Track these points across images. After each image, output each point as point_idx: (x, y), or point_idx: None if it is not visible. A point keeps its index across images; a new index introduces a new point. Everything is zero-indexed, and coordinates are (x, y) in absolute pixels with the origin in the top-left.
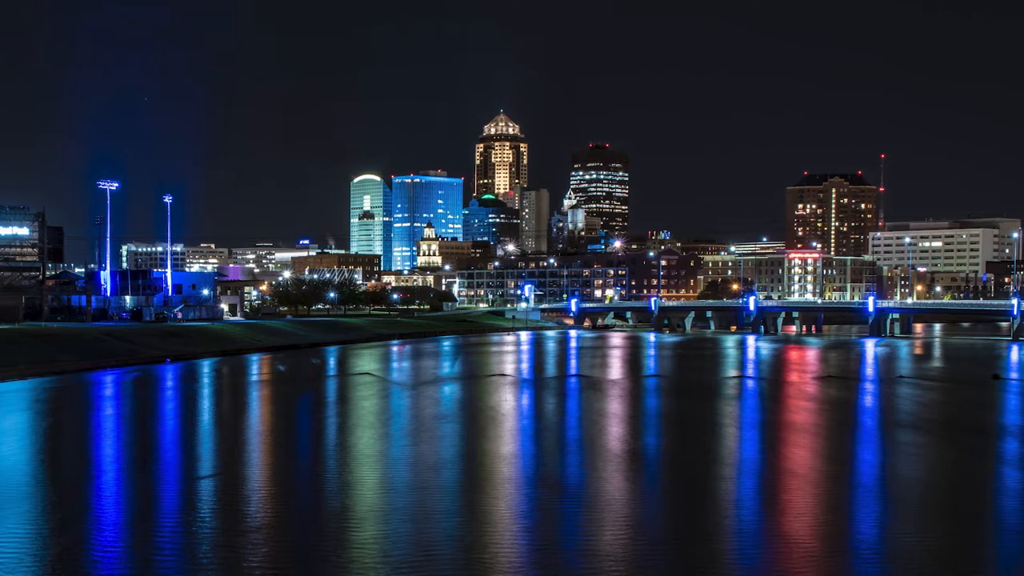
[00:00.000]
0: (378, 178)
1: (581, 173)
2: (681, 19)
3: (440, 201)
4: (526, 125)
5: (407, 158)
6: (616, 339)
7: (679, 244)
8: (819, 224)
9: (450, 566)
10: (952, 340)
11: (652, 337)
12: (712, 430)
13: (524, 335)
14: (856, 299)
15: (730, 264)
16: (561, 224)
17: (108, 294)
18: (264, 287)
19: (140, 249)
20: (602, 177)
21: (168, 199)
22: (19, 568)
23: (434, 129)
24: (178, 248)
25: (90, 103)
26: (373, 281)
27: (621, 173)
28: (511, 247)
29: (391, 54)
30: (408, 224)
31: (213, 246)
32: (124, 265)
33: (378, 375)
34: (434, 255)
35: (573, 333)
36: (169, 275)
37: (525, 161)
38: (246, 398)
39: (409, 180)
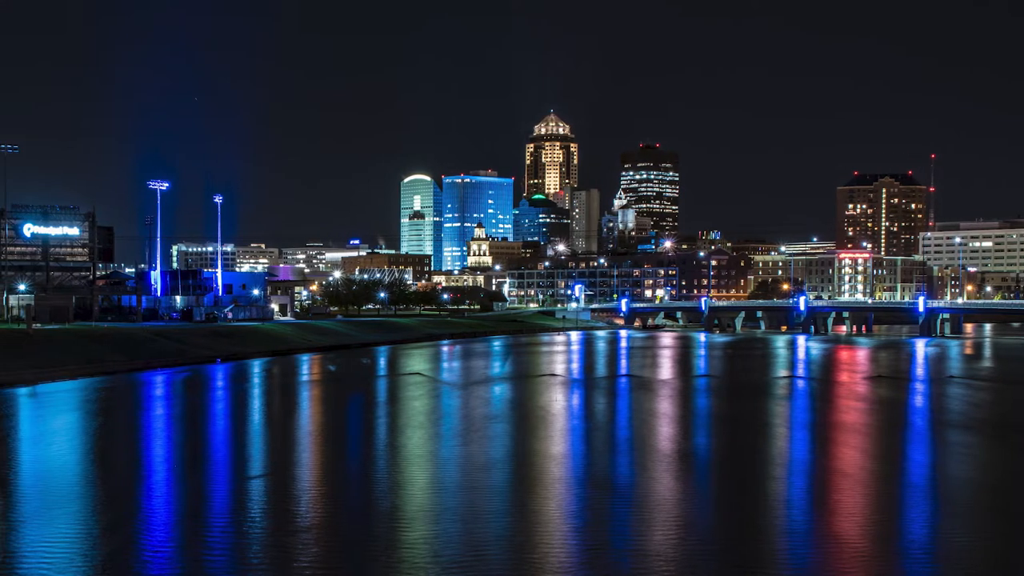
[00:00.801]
0: (428, 178)
1: (631, 173)
2: (744, 20)
3: (490, 201)
4: (576, 125)
5: (457, 158)
6: (666, 339)
7: (729, 244)
8: (869, 224)
9: (500, 566)
10: (1003, 340)
11: (702, 337)
12: (762, 430)
13: (574, 335)
14: (906, 299)
15: (780, 264)
16: (611, 224)
17: (158, 294)
18: (314, 287)
19: (190, 249)
20: (652, 177)
21: (218, 199)
22: (69, 568)
23: (484, 129)
24: (228, 248)
25: (140, 103)
26: (423, 281)
27: (671, 173)
28: (561, 247)
29: (441, 53)
30: (458, 224)
31: (263, 246)
32: (174, 265)
33: (428, 375)
34: (484, 255)
35: (623, 333)
36: (219, 275)
37: (575, 161)
38: (296, 398)
39: (459, 180)
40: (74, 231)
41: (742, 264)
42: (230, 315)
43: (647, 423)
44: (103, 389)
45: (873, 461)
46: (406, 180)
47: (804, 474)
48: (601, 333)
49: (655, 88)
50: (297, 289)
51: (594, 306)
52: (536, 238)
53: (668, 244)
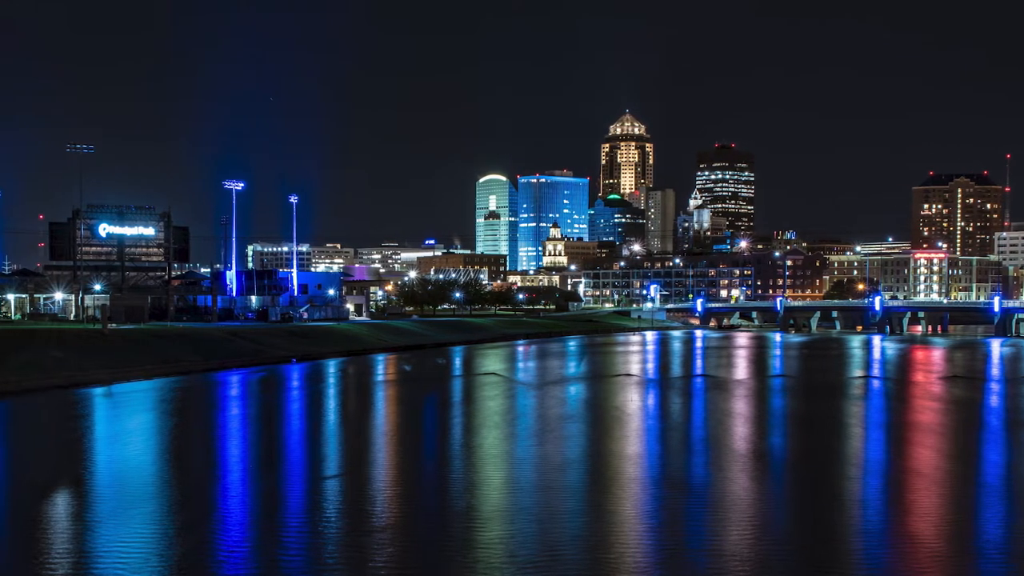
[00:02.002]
0: (504, 178)
1: (707, 173)
2: (816, 20)
3: (566, 201)
4: (652, 125)
5: (532, 158)
6: (742, 339)
7: (804, 244)
8: (945, 224)
9: (575, 566)
10: None
11: (778, 337)
12: (838, 430)
13: (650, 335)
14: (982, 299)
15: (856, 264)
16: (687, 224)
17: (234, 294)
18: (390, 287)
19: (266, 249)
20: (728, 177)
21: (294, 199)
22: (145, 568)
23: (559, 129)
24: (304, 248)
25: (217, 103)
26: (499, 281)
27: (747, 173)
28: (637, 247)
29: (517, 53)
30: (534, 224)
31: (339, 246)
32: (250, 265)
33: (504, 375)
34: (560, 255)
35: (699, 333)
36: (295, 275)
37: (651, 161)
38: (372, 398)
39: (535, 180)
40: (149, 231)
41: (817, 264)
42: (305, 315)
43: (722, 423)
44: (178, 389)
45: (948, 461)
46: (482, 180)
47: (879, 474)
48: (676, 333)
49: (731, 88)
50: (372, 289)
51: (669, 306)
52: (612, 238)
53: (743, 244)
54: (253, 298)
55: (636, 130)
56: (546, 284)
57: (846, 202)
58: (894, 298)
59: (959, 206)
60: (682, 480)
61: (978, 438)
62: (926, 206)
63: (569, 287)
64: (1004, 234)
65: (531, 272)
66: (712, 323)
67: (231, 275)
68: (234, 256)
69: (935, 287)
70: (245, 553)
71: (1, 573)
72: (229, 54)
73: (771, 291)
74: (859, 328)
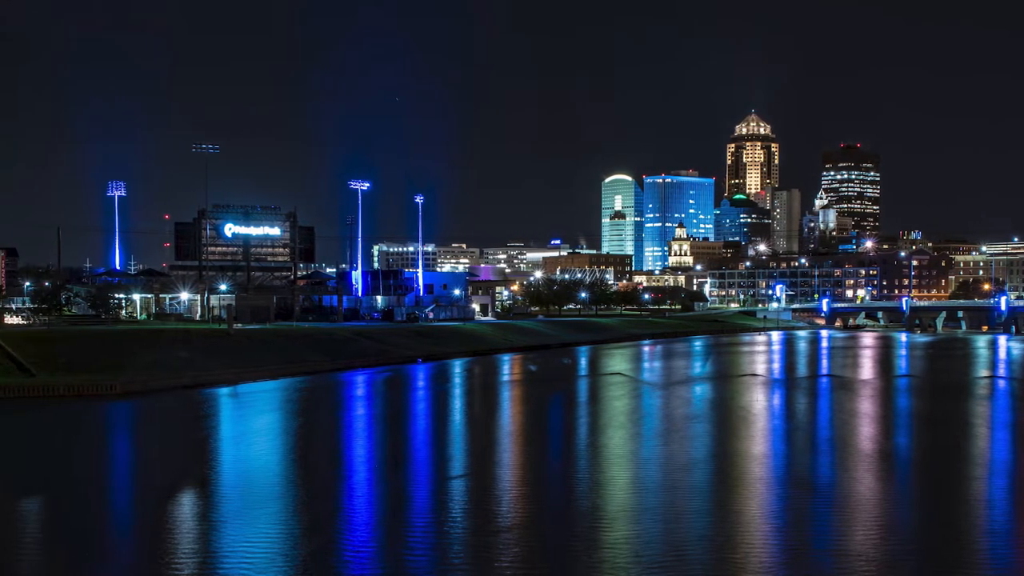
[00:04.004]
0: (629, 178)
1: (832, 173)
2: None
3: (691, 201)
4: (777, 125)
5: (658, 158)
6: (867, 339)
7: (930, 244)
8: None
9: (701, 566)
10: None
11: (903, 337)
12: (964, 430)
13: (775, 335)
14: None
15: (981, 264)
16: (812, 224)
17: (359, 294)
18: (515, 287)
19: (391, 249)
20: (853, 177)
21: (420, 199)
22: (270, 568)
23: (685, 129)
24: (429, 248)
25: (342, 104)
26: (624, 281)
27: (872, 173)
28: (762, 247)
29: (641, 53)
30: (659, 224)
31: (464, 246)
32: (375, 265)
33: (629, 375)
34: (685, 255)
35: (824, 333)
36: (420, 275)
37: (776, 161)
38: (497, 398)
39: (660, 180)
40: (275, 231)
41: (943, 264)
42: (431, 315)
43: (848, 423)
44: (304, 389)
45: None
46: (607, 180)
47: (1006, 474)
48: (802, 333)
49: (857, 88)
50: (498, 289)
51: (795, 306)
52: (737, 238)
53: (869, 244)
54: (379, 298)
55: (762, 130)
56: (671, 284)
57: (972, 202)
58: (1020, 298)
59: None
60: (808, 480)
61: None
62: None
63: (694, 287)
64: None
65: (656, 272)
66: (837, 323)
67: (357, 275)
68: (360, 256)
69: None
70: (371, 553)
71: (129, 572)
72: (353, 54)
73: (896, 291)
74: (985, 328)
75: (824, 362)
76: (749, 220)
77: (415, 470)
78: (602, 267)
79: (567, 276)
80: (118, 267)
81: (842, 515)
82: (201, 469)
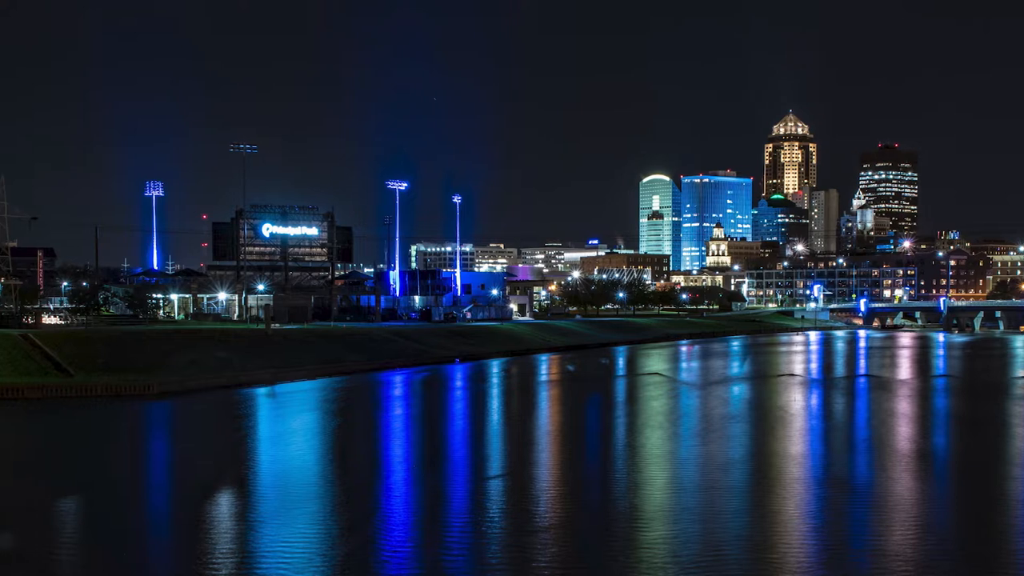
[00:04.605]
0: (667, 178)
1: (870, 173)
2: (983, 21)
3: (729, 201)
4: (815, 125)
5: (695, 158)
6: (905, 339)
7: (968, 244)
8: None
9: (739, 566)
10: None
11: (941, 337)
12: (1002, 430)
13: (813, 335)
14: None
15: (1019, 264)
16: (850, 224)
17: (397, 294)
18: (553, 287)
19: (429, 249)
20: (891, 177)
21: (457, 199)
22: (308, 568)
23: (722, 129)
24: (467, 248)
25: (379, 103)
26: (662, 281)
27: (910, 173)
28: (800, 247)
29: (681, 53)
30: (697, 224)
31: (502, 246)
32: (413, 265)
33: (667, 375)
34: (723, 255)
35: (862, 333)
36: (458, 275)
37: (814, 161)
38: (534, 398)
39: (698, 180)
40: (313, 231)
41: (980, 264)
42: (469, 315)
43: (886, 423)
44: (341, 389)
45: None
46: (645, 180)
47: None
48: (840, 333)
49: (895, 88)
50: (535, 289)
51: (832, 306)
52: (775, 238)
53: (907, 244)
54: (416, 298)
55: (799, 130)
56: (709, 284)
57: (1010, 202)
58: None
59: None
60: (845, 480)
61: None
62: None
63: (732, 287)
64: None
65: (694, 272)
66: (875, 323)
67: (394, 275)
68: (397, 256)
69: None
70: (408, 553)
71: (167, 572)
72: (389, 54)
73: (934, 291)
74: (1022, 328)
75: (861, 362)
76: (787, 220)
77: (452, 470)
78: (640, 267)
79: (605, 276)
80: (156, 267)
81: (880, 515)
82: (239, 469)
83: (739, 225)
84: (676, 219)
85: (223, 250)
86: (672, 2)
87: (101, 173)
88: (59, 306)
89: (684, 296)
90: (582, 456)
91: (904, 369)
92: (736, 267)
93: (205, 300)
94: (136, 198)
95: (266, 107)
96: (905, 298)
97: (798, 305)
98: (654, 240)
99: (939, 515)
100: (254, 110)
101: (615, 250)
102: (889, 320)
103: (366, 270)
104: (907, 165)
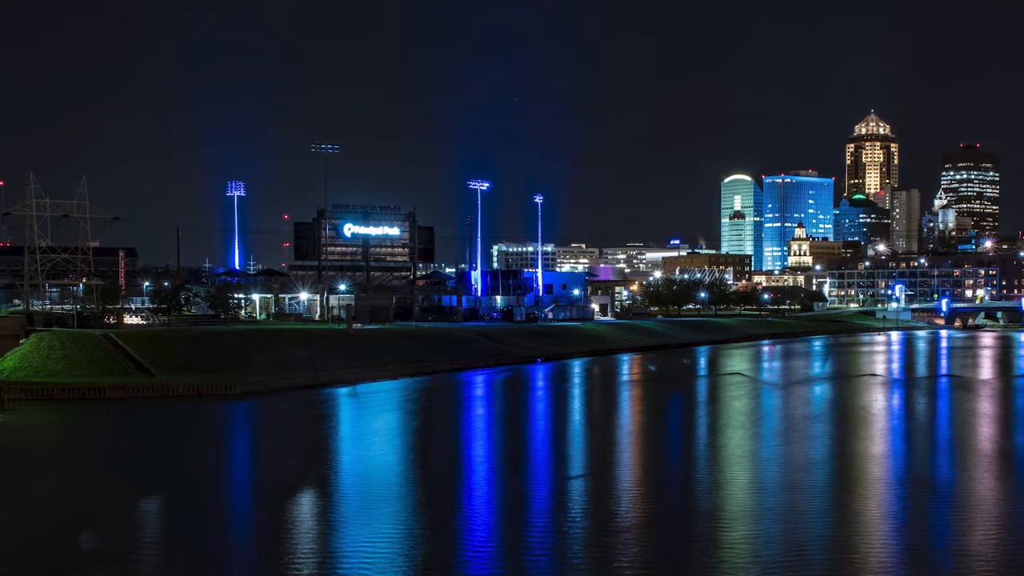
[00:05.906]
0: (748, 178)
1: (952, 173)
2: None
3: (811, 201)
4: (896, 125)
5: (776, 158)
6: (987, 339)
7: None
8: None
9: (820, 567)
10: None
11: (1023, 337)
12: None
13: (894, 335)
14: None
15: None
16: (931, 224)
17: (478, 294)
18: (634, 287)
19: (510, 249)
20: (973, 177)
21: (539, 199)
22: (390, 568)
23: (803, 129)
24: (549, 248)
25: (461, 103)
26: (743, 281)
27: (992, 173)
28: (881, 247)
29: (763, 53)
30: (778, 224)
31: (584, 246)
32: (494, 265)
33: (749, 375)
34: (804, 255)
35: (943, 333)
36: (540, 275)
37: (895, 161)
38: (616, 398)
39: (779, 180)
40: (394, 231)
41: None
42: (550, 315)
43: (967, 423)
44: (423, 389)
45: None
46: (726, 180)
47: None
48: (921, 333)
49: (977, 87)
50: (617, 289)
51: (914, 306)
52: (856, 238)
53: (988, 244)
54: (498, 298)
55: (881, 130)
56: (791, 284)
57: None
58: None
59: None
60: (927, 480)
61: None
62: None
63: (814, 287)
64: None
65: (776, 272)
66: (957, 323)
67: (476, 275)
68: (479, 256)
69: None
70: (490, 553)
71: (248, 571)
72: (472, 53)
73: (1016, 291)
74: None
75: (943, 362)
76: (868, 220)
77: (534, 470)
78: (721, 267)
79: (686, 276)
80: (237, 267)
81: (962, 515)
82: (321, 469)
83: (820, 225)
84: (757, 219)
85: (305, 250)
86: (755, 2)
87: (184, 173)
88: (141, 306)
89: (765, 296)
90: (664, 456)
91: (986, 369)
92: (818, 267)
93: (287, 300)
94: (218, 198)
95: (348, 107)
96: (987, 298)
97: (880, 305)
98: (735, 240)
99: (1021, 515)
100: (336, 110)
101: (697, 250)
102: (971, 320)
103: (448, 270)
104: (988, 165)
